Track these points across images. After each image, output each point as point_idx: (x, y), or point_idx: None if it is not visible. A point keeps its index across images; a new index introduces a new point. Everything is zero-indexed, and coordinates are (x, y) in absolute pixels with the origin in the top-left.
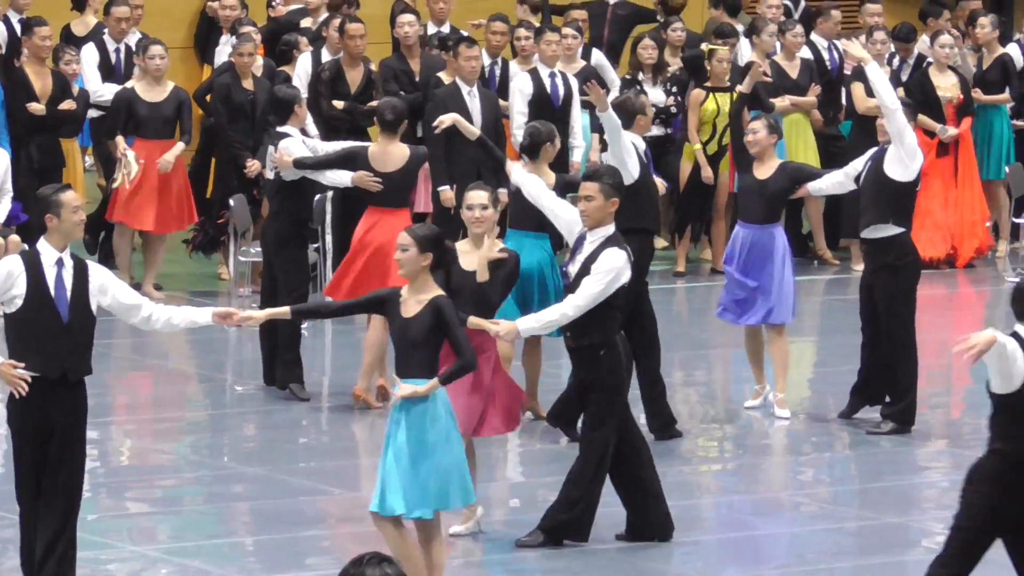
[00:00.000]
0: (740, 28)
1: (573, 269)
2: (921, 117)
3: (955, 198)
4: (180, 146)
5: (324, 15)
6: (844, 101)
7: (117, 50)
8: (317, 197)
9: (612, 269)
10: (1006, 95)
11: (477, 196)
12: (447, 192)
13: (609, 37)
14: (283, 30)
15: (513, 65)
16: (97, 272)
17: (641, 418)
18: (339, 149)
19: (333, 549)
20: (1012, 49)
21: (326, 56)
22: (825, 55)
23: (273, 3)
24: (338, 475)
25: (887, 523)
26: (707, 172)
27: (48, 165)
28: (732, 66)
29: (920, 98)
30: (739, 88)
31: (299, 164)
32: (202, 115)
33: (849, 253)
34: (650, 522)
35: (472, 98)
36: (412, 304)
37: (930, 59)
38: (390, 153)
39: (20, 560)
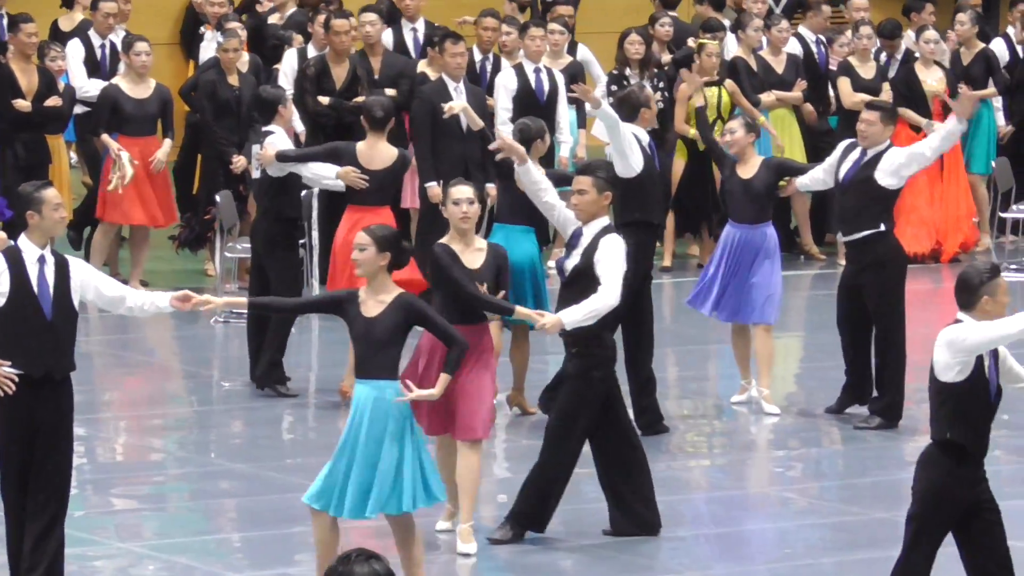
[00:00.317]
0: (727, 23)
1: (571, 263)
2: (907, 112)
3: (940, 193)
4: (168, 143)
5: (291, 10)
6: (832, 96)
7: (103, 46)
8: (304, 192)
9: (621, 249)
10: (992, 89)
11: (462, 191)
12: (434, 188)
13: None
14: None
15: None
16: (78, 268)
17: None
18: (325, 145)
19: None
20: (997, 44)
21: (311, 52)
22: (814, 49)
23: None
24: None
25: (874, 518)
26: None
27: (34, 162)
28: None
29: (906, 93)
30: (695, 102)
31: (281, 157)
32: (187, 111)
33: (835, 248)
34: (637, 520)
35: (459, 94)
36: (373, 304)
37: (916, 54)
38: (378, 151)
39: (7, 557)
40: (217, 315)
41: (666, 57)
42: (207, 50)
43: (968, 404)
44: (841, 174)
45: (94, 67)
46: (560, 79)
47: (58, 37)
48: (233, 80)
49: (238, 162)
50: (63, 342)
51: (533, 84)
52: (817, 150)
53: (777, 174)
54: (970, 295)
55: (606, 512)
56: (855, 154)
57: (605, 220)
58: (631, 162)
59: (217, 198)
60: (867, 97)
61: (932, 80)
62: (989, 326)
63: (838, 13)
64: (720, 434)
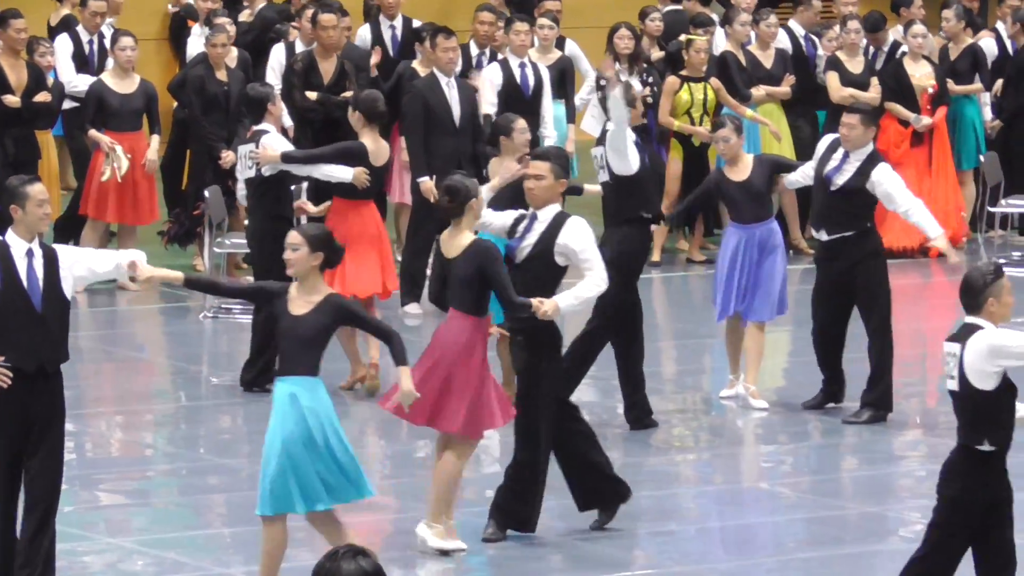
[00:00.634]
0: (715, 18)
1: (525, 246)
2: (896, 106)
3: (929, 187)
4: (156, 140)
5: (260, 5)
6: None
7: (91, 41)
8: (293, 188)
9: (591, 231)
10: (977, 85)
11: None
12: (427, 183)
13: None
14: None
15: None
16: (66, 254)
17: (619, 407)
18: (335, 145)
19: (309, 541)
20: (986, 42)
21: (299, 47)
22: (803, 44)
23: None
24: None
25: (864, 512)
26: (700, 131)
27: (24, 158)
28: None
29: (894, 87)
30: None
31: (288, 159)
32: (174, 107)
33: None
34: (608, 492)
35: (451, 89)
36: (301, 303)
37: (904, 48)
38: (380, 147)
39: None
40: (206, 311)
41: (656, 53)
42: (195, 46)
43: (1003, 408)
44: (825, 171)
45: (82, 62)
46: (545, 74)
47: (48, 33)
48: (221, 75)
49: (227, 157)
50: (55, 334)
51: (518, 79)
52: (803, 146)
53: (771, 170)
54: (975, 298)
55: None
56: (839, 154)
57: (557, 206)
58: (630, 161)
59: (206, 193)
60: (855, 91)
61: (920, 74)
62: None
63: (828, 7)
64: (709, 428)
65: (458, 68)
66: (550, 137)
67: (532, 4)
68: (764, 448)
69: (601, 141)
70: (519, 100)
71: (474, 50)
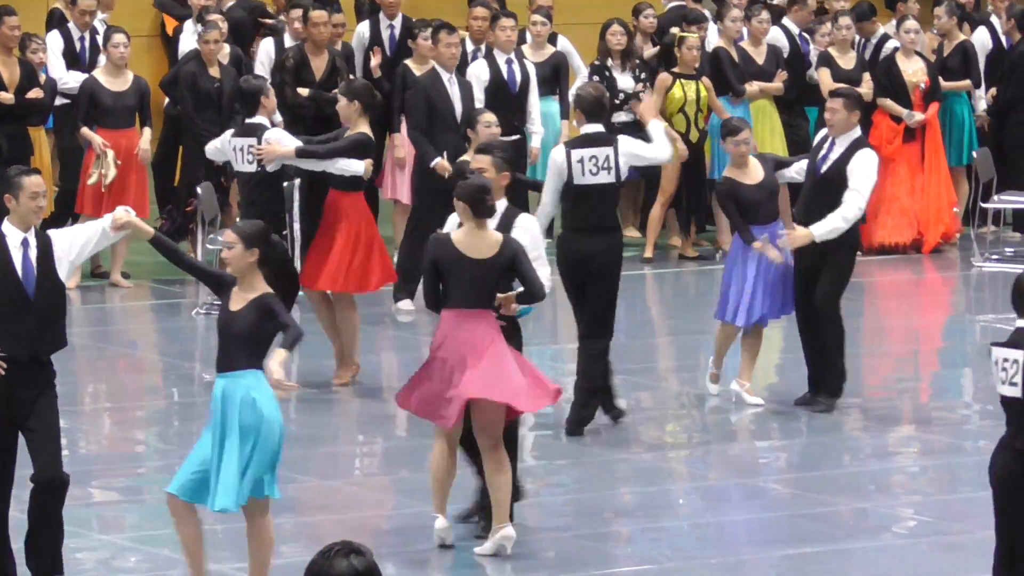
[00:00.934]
0: (708, 14)
1: None
2: (888, 102)
3: (922, 184)
4: (148, 132)
5: (230, 2)
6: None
7: (82, 38)
8: (285, 184)
9: (539, 230)
10: (967, 82)
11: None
12: (441, 161)
13: None
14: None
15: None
16: (59, 238)
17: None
18: (347, 138)
19: (302, 536)
20: (979, 34)
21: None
22: (799, 43)
23: None
24: (307, 463)
25: (856, 508)
26: (682, 146)
27: (17, 154)
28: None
29: (887, 83)
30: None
31: (305, 153)
32: (166, 103)
33: None
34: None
35: (452, 85)
36: (238, 299)
37: (895, 43)
38: (372, 137)
39: None
40: (199, 307)
41: (649, 51)
42: (187, 42)
43: None
44: (815, 162)
45: (73, 59)
46: (532, 69)
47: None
48: (214, 72)
49: None
50: (50, 324)
51: (505, 75)
52: (795, 143)
53: (774, 167)
54: None
55: (591, 503)
56: (827, 143)
57: (504, 201)
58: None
59: (198, 190)
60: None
61: (913, 71)
62: None
63: (822, 4)
64: (702, 425)
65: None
66: (537, 133)
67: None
68: (757, 444)
69: (598, 142)
70: (505, 96)
71: (469, 46)
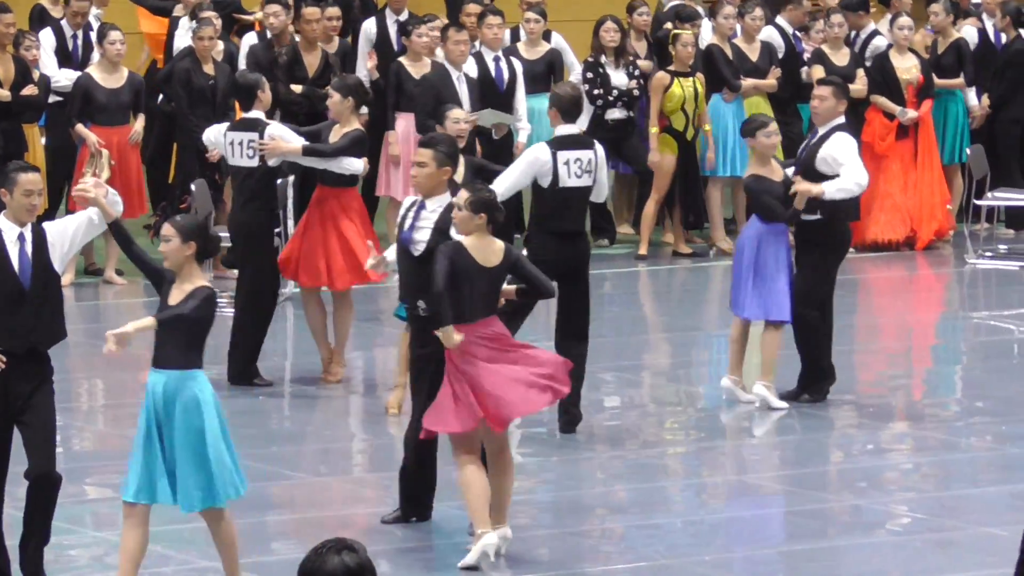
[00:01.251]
0: (701, 11)
1: (420, 236)
2: (881, 99)
3: (915, 180)
4: (142, 119)
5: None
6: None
7: (74, 36)
8: (279, 181)
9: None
10: (960, 80)
11: (459, 195)
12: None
13: None
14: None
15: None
16: (52, 229)
17: (606, 400)
18: (347, 136)
19: (296, 534)
20: (968, 31)
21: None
22: (793, 41)
23: None
24: (300, 460)
25: (849, 505)
26: (655, 156)
27: (12, 151)
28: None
29: (880, 80)
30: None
31: (311, 151)
32: (159, 99)
33: None
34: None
35: (460, 83)
36: (176, 294)
37: (885, 40)
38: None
39: None
40: None
41: (641, 48)
42: (182, 39)
43: None
44: (799, 154)
45: (65, 57)
46: (519, 67)
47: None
48: (208, 69)
49: (213, 151)
50: (47, 317)
51: (492, 72)
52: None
53: (783, 165)
54: None
55: (585, 500)
56: (809, 134)
57: (447, 196)
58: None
59: (192, 187)
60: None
61: (906, 68)
62: None
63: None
64: (694, 421)
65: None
66: (524, 130)
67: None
68: (750, 441)
69: (581, 145)
70: (493, 94)
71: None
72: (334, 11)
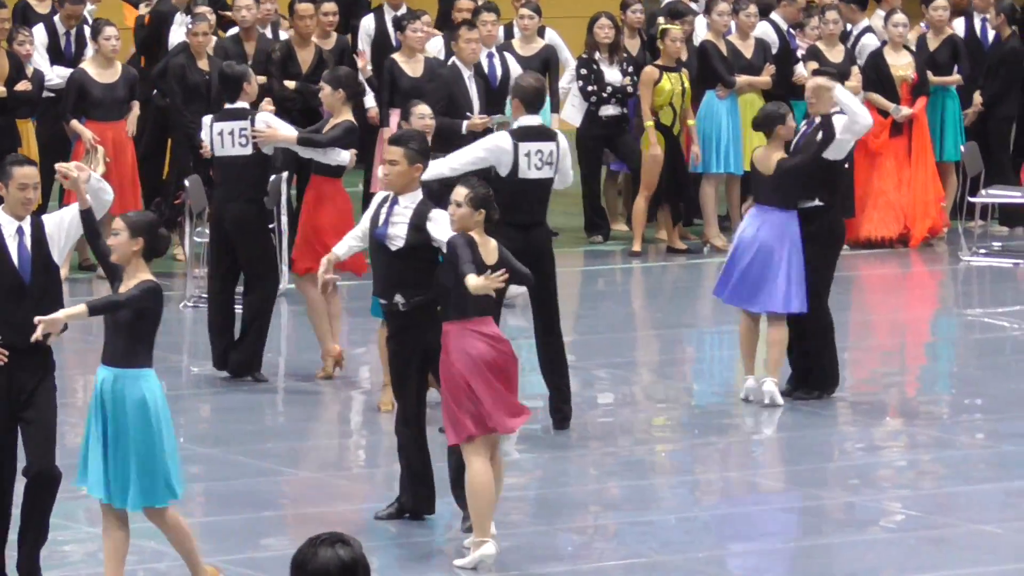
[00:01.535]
0: (696, 7)
1: (397, 231)
2: (875, 96)
3: (908, 178)
4: (136, 107)
5: None
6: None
7: (67, 34)
8: (272, 178)
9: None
10: (957, 76)
11: (457, 192)
12: (474, 120)
13: None
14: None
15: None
16: (50, 222)
17: (600, 397)
18: (340, 128)
19: (289, 529)
20: (956, 25)
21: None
22: (788, 38)
23: None
24: (293, 456)
25: (843, 502)
26: (655, 150)
27: (5, 147)
28: (688, 45)
29: (874, 77)
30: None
31: (306, 141)
32: (153, 94)
33: None
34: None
35: (471, 81)
36: (122, 289)
37: (875, 39)
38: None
39: None
40: (186, 300)
41: (636, 46)
42: (176, 34)
43: None
44: (795, 143)
45: (57, 54)
46: (513, 64)
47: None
48: (203, 64)
49: (207, 148)
50: (47, 310)
51: (486, 69)
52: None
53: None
54: None
55: (578, 497)
56: (804, 123)
57: (418, 193)
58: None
59: (186, 182)
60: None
61: (901, 65)
62: None
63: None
64: (688, 418)
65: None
66: None
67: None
68: (743, 438)
69: (543, 136)
70: (486, 91)
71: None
72: (330, 6)
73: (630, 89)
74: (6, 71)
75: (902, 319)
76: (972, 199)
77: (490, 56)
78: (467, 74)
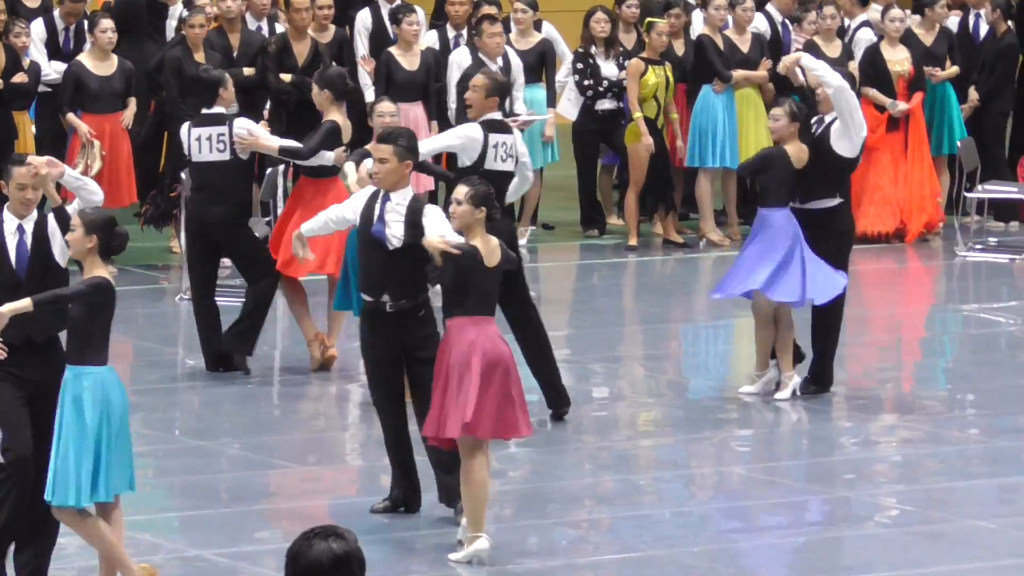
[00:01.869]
0: (692, 1)
1: (394, 230)
2: (872, 92)
3: (905, 173)
4: (133, 104)
5: None
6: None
7: (66, 29)
8: (268, 171)
9: (447, 220)
10: (955, 69)
11: (457, 190)
12: (523, 117)
13: None
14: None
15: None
16: (52, 219)
17: (595, 391)
18: (320, 132)
19: (283, 523)
20: (951, 21)
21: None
22: (780, 31)
23: None
24: (288, 449)
25: (838, 497)
26: (647, 140)
27: (2, 139)
28: (684, 38)
29: (871, 72)
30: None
31: (287, 152)
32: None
33: None
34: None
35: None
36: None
37: (871, 34)
38: (347, 125)
39: None
40: (182, 293)
41: (631, 40)
42: (172, 27)
43: None
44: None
45: (55, 49)
46: (515, 57)
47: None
48: (199, 57)
49: None
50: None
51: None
52: None
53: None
54: None
55: (572, 491)
56: (814, 121)
57: (410, 190)
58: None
59: (183, 175)
60: None
61: (897, 60)
62: None
63: None
64: (683, 412)
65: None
66: (551, 123)
67: None
68: (738, 432)
69: (505, 129)
70: None
71: (451, 32)
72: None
73: (626, 83)
74: (2, 63)
75: (898, 314)
76: (969, 194)
77: None
78: (493, 68)
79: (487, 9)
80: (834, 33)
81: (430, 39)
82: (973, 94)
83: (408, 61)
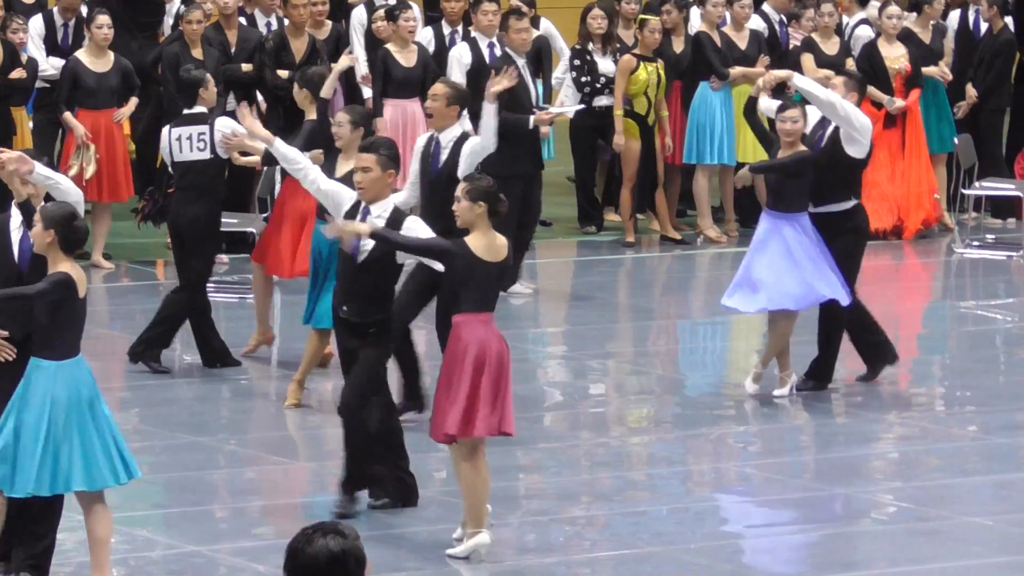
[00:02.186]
0: None
1: (367, 246)
2: (869, 88)
3: (902, 170)
4: (133, 102)
5: None
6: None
7: (64, 25)
8: (265, 170)
9: (428, 230)
10: (938, 69)
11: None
12: (541, 115)
13: None
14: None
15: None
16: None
17: (591, 387)
18: (303, 135)
19: (280, 519)
20: (951, 18)
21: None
22: (777, 29)
23: None
24: (285, 445)
25: (835, 494)
26: (619, 139)
27: (0, 134)
28: (684, 35)
29: (868, 69)
30: (751, 92)
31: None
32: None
33: None
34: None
35: (525, 71)
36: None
37: (869, 31)
38: (325, 124)
39: None
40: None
41: (630, 36)
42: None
43: None
44: (814, 143)
45: (53, 45)
46: (545, 46)
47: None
48: (197, 53)
49: None
50: None
51: (487, 58)
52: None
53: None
54: None
55: (569, 487)
56: (826, 125)
57: (390, 201)
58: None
59: None
60: (830, 72)
61: (895, 57)
62: None
63: None
64: (680, 409)
65: (421, 39)
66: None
67: None
68: (735, 429)
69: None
70: (487, 80)
71: (446, 29)
72: None
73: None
74: (0, 59)
75: (895, 311)
76: (966, 191)
77: (491, 46)
78: (521, 63)
79: (511, 3)
80: (832, 30)
81: (425, 36)
82: (971, 91)
83: (405, 58)
